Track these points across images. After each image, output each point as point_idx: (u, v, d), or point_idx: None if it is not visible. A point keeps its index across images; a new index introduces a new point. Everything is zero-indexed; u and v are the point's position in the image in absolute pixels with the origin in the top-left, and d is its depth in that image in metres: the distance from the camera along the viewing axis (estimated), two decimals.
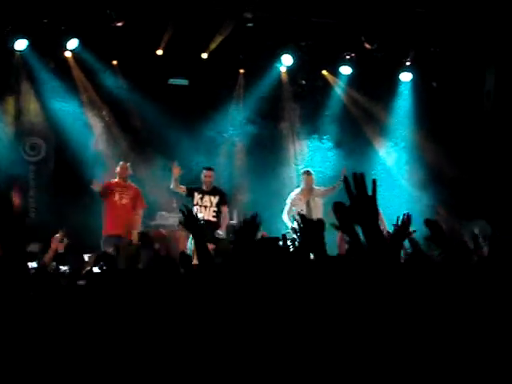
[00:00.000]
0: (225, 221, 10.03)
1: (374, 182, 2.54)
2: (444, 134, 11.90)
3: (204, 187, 10.08)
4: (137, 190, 9.99)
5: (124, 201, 9.78)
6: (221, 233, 9.75)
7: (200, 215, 9.56)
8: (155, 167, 11.54)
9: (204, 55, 11.34)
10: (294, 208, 10.22)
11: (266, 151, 12.12)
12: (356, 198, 2.49)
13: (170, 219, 11.12)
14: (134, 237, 9.41)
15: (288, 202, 10.45)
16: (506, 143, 11.39)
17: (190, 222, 3.71)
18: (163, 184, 11.46)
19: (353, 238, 2.88)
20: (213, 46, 11.22)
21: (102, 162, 11.16)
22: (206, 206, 10.01)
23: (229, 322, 3.07)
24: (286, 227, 9.78)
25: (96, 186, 9.64)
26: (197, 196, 10.07)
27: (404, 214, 3.93)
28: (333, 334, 2.62)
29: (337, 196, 10.39)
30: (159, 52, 11.17)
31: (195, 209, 9.87)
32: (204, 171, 10.15)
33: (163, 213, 11.16)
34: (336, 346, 2.57)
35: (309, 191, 10.45)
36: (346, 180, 2.53)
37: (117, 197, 9.77)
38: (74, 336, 3.58)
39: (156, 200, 10.92)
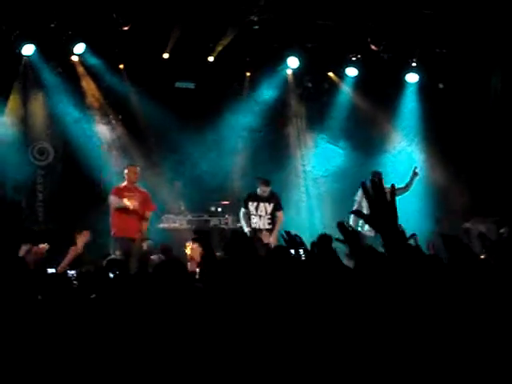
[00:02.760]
0: (276, 226, 10.07)
1: (393, 187, 2.54)
2: (450, 136, 11.89)
3: (260, 193, 10.16)
4: (146, 194, 9.98)
5: (134, 204, 9.76)
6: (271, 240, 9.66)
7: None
8: (162, 170, 11.56)
9: (210, 58, 11.37)
10: (363, 205, 10.12)
11: (273, 153, 12.13)
12: (375, 204, 2.49)
13: (177, 221, 11.15)
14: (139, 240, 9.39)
15: (355, 198, 10.32)
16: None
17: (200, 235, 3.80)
18: (170, 187, 11.51)
19: (357, 253, 2.90)
20: (219, 48, 11.24)
21: (109, 166, 11.17)
22: (260, 216, 10.12)
23: (237, 329, 3.08)
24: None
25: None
26: (251, 205, 10.17)
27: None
28: (342, 341, 2.63)
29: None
30: (165, 55, 11.20)
31: (252, 218, 10.10)
32: (262, 186, 10.14)
33: (170, 215, 11.18)
34: (349, 353, 2.58)
35: None
36: (364, 186, 2.53)
37: (126, 201, 9.76)
38: (84, 339, 3.59)
39: (163, 203, 10.94)
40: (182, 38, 10.94)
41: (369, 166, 11.15)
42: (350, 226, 3.19)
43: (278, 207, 10.24)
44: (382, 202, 2.48)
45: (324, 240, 3.32)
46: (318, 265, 3.12)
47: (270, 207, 10.16)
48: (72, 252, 6.63)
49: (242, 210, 10.29)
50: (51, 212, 11.18)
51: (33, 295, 4.15)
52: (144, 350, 3.39)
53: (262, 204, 10.16)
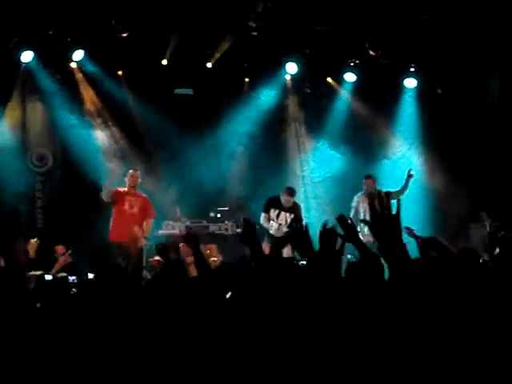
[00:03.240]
0: None
1: (399, 201, 2.55)
2: (449, 140, 11.90)
3: (285, 203, 10.06)
4: (146, 199, 9.99)
5: (134, 209, 9.76)
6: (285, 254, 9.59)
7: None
8: (160, 176, 11.57)
9: (209, 64, 11.39)
10: (360, 210, 10.17)
11: (272, 158, 12.14)
12: (380, 217, 2.50)
13: (175, 228, 11.15)
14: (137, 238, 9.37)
15: (352, 204, 10.39)
16: (510, 148, 11.40)
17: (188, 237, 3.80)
18: (168, 193, 11.51)
19: (360, 247, 2.90)
20: (217, 55, 11.26)
21: (109, 172, 11.17)
22: (280, 224, 10.03)
23: (234, 332, 3.08)
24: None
25: (106, 193, 9.59)
26: (273, 212, 10.10)
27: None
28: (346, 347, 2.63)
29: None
30: (164, 61, 11.21)
31: (270, 224, 10.00)
32: (286, 196, 10.04)
33: (170, 222, 11.18)
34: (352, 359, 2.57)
35: (371, 194, 10.23)
36: (371, 207, 2.54)
37: (127, 205, 9.75)
38: (81, 344, 3.59)
39: (161, 209, 10.93)
40: (180, 45, 10.96)
41: (367, 170, 11.16)
42: (350, 219, 3.19)
43: (297, 219, 10.18)
44: (387, 216, 2.49)
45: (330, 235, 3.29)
46: (319, 270, 3.10)
47: (289, 218, 10.09)
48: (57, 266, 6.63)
49: (263, 214, 10.11)
50: (50, 218, 11.17)
51: (31, 301, 4.14)
52: (142, 354, 3.38)
53: (283, 213, 10.10)
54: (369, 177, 10.55)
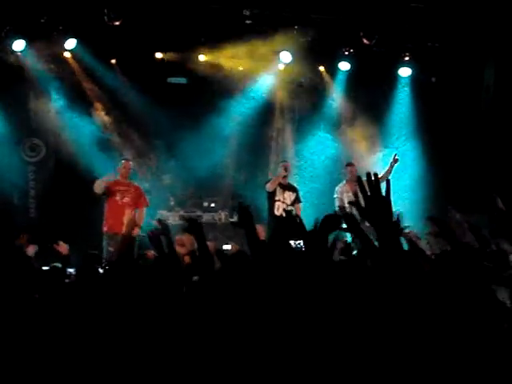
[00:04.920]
0: None
1: (388, 182, 2.52)
2: (443, 130, 11.90)
3: (282, 182, 10.03)
4: (139, 189, 9.98)
5: (126, 199, 9.76)
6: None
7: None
8: (154, 166, 11.54)
9: (201, 57, 11.35)
10: (345, 200, 10.11)
11: (266, 147, 12.13)
12: (370, 199, 2.47)
13: (169, 217, 11.12)
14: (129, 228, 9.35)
15: (335, 196, 10.37)
16: (505, 138, 11.39)
17: (192, 226, 3.77)
18: (162, 183, 11.48)
19: (363, 240, 2.86)
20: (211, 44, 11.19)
21: (102, 161, 11.12)
22: (286, 204, 9.91)
23: (233, 324, 3.06)
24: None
25: (99, 186, 9.58)
26: (279, 191, 9.99)
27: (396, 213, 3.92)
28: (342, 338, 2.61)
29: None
30: (158, 55, 11.18)
31: (276, 205, 9.82)
32: (284, 163, 10.14)
33: (163, 211, 11.15)
34: (348, 349, 2.56)
35: (354, 182, 10.29)
36: (359, 180, 2.50)
37: (118, 196, 9.74)
38: (79, 336, 3.57)
39: (154, 199, 10.90)
40: (173, 33, 10.89)
41: (361, 160, 11.15)
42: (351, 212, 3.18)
43: (298, 199, 10.18)
44: (377, 199, 2.46)
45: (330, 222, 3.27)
46: (316, 257, 3.09)
47: (293, 197, 10.04)
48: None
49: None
50: (43, 208, 11.14)
51: (29, 292, 4.14)
52: (137, 347, 3.36)
53: (287, 192, 10.04)
54: (351, 164, 10.57)
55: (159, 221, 4.43)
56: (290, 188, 10.14)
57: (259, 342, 2.89)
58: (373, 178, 2.48)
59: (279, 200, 10.00)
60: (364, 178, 2.50)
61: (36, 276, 4.68)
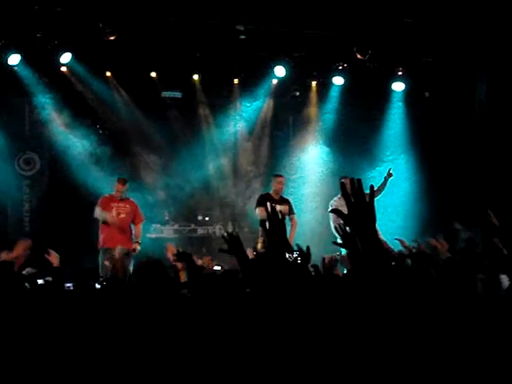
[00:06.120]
0: (294, 230, 9.92)
1: (372, 188, 2.54)
2: (437, 144, 11.96)
3: (274, 196, 9.99)
4: (134, 204, 9.97)
5: (122, 215, 9.75)
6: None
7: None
8: (148, 179, 11.55)
9: (195, 77, 11.41)
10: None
11: (261, 161, 12.16)
12: (353, 205, 2.49)
13: (164, 231, 11.13)
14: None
15: (330, 210, 10.22)
16: (498, 151, 11.45)
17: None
18: (156, 197, 11.49)
19: (353, 253, 2.89)
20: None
21: (96, 175, 11.12)
22: None
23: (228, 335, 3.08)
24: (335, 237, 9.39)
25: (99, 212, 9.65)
26: (269, 206, 9.85)
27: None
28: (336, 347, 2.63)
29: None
30: (153, 74, 11.25)
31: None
32: (277, 178, 10.10)
33: (157, 225, 11.16)
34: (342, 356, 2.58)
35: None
36: (343, 188, 2.53)
37: (114, 212, 9.74)
38: (75, 350, 3.59)
39: (149, 213, 10.90)
40: (167, 50, 10.93)
41: (354, 174, 11.17)
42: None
43: (291, 211, 10.15)
44: (360, 204, 2.48)
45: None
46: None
47: (285, 210, 9.89)
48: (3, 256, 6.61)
49: (259, 208, 9.81)
50: (38, 222, 11.12)
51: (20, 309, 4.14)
52: (130, 358, 3.38)
53: (278, 206, 9.93)
54: (346, 177, 10.57)
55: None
56: (281, 202, 10.04)
57: (248, 353, 2.91)
58: (356, 185, 2.50)
59: None
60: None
61: (26, 293, 4.68)
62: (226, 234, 3.77)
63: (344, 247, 3.02)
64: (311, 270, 3.51)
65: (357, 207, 2.49)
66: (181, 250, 4.00)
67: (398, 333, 2.41)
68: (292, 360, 2.68)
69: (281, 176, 10.34)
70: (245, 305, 3.39)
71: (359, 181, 2.51)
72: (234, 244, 3.68)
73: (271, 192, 10.16)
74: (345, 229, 3.05)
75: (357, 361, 2.42)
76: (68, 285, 5.56)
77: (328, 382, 2.54)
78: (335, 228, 9.02)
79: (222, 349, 3.12)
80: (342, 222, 2.95)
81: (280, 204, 9.92)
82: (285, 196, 10.36)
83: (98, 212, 9.68)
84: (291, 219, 10.00)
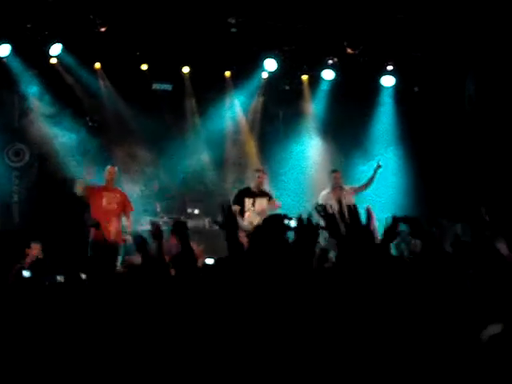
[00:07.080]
0: (273, 202, 9.86)
1: (368, 210, 2.58)
2: (426, 138, 12.01)
3: (255, 189, 9.90)
4: (124, 195, 9.98)
5: (112, 205, 9.75)
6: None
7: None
8: (139, 172, 11.53)
9: (186, 69, 11.38)
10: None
11: (251, 154, 12.17)
12: (350, 228, 2.53)
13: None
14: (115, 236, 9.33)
15: (319, 203, 10.32)
16: (487, 146, 11.52)
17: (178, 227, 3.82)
18: (147, 189, 11.47)
19: (339, 239, 2.91)
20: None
21: (86, 167, 11.10)
22: (259, 213, 9.58)
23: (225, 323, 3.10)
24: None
25: (80, 187, 9.59)
26: (248, 201, 9.80)
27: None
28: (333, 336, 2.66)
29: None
30: (144, 66, 11.22)
31: (246, 215, 9.61)
32: (258, 173, 10.04)
33: (148, 217, 11.14)
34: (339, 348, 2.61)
35: (338, 189, 10.25)
36: (340, 205, 2.56)
37: (105, 202, 9.73)
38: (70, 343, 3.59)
39: (140, 205, 10.90)
40: (158, 42, 10.91)
41: (345, 168, 11.22)
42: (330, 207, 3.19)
43: (271, 198, 10.01)
44: (356, 227, 2.52)
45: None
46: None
47: (264, 202, 9.84)
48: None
49: (234, 207, 9.56)
50: (27, 213, 11.09)
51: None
52: (122, 353, 3.39)
53: (258, 199, 9.86)
54: (336, 171, 10.60)
55: (152, 223, 4.35)
56: (261, 195, 9.93)
57: (241, 346, 2.93)
58: (353, 210, 2.55)
59: (249, 210, 9.80)
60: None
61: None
62: (224, 206, 3.69)
63: (326, 229, 3.04)
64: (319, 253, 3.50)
65: (354, 231, 2.53)
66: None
67: (389, 321, 2.44)
68: (287, 349, 2.70)
69: (261, 171, 10.21)
70: (238, 291, 3.38)
71: (355, 206, 2.57)
72: (228, 218, 3.63)
73: (252, 186, 10.06)
74: (327, 211, 3.06)
75: (350, 348, 2.45)
76: (59, 278, 5.53)
77: (324, 370, 2.57)
78: (316, 209, 9.01)
79: (215, 338, 3.13)
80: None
81: (260, 197, 9.89)
82: (266, 190, 10.24)
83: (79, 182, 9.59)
84: (272, 203, 9.89)
